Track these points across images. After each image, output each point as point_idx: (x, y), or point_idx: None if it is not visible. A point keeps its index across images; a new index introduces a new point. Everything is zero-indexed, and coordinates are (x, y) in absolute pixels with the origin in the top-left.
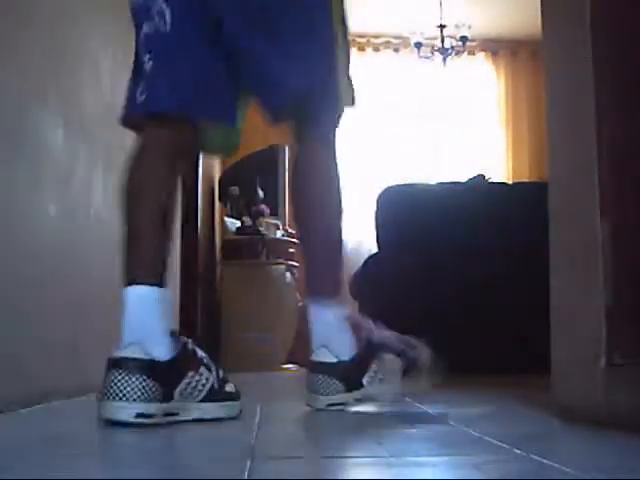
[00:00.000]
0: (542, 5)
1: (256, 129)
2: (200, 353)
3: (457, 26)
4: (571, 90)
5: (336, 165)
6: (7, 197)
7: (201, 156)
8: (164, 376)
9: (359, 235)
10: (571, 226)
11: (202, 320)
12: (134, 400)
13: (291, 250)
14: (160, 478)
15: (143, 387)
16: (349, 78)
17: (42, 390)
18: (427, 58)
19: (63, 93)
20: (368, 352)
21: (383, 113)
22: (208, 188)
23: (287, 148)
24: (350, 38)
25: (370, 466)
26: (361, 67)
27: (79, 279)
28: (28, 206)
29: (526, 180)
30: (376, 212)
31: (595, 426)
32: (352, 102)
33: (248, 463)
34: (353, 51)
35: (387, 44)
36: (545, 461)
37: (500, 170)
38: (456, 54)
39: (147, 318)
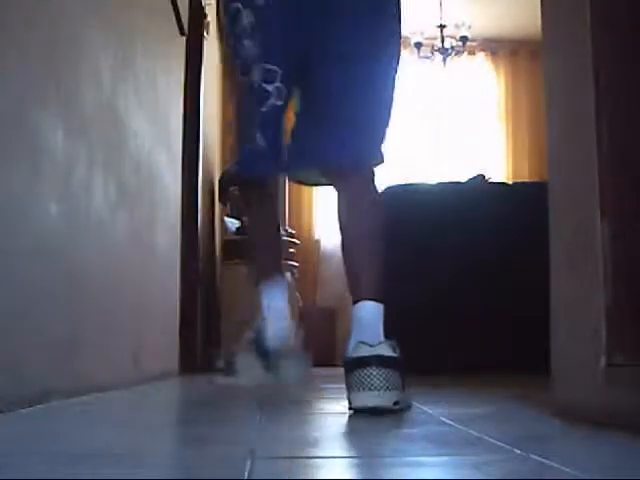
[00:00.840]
0: (542, 5)
1: None
2: None
3: (457, 26)
4: (571, 90)
5: (378, 199)
6: (7, 197)
7: (201, 156)
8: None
9: None
10: (571, 226)
11: (202, 320)
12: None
13: (291, 250)
14: (160, 478)
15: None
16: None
17: (42, 390)
18: (427, 58)
19: (63, 93)
20: None
21: None
22: (208, 188)
23: None
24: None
25: (370, 466)
26: None
27: (79, 279)
28: (28, 206)
29: (526, 180)
30: None
31: (595, 426)
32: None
33: (248, 463)
34: None
35: None
36: (545, 461)
37: (500, 170)
38: (456, 54)
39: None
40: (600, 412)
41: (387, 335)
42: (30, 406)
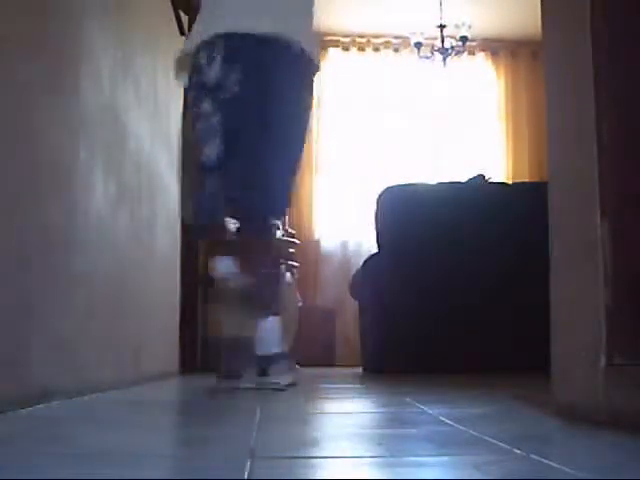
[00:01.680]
0: (542, 5)
1: None
2: None
3: (457, 26)
4: (571, 90)
5: None
6: (6, 197)
7: None
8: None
9: (359, 235)
10: (571, 226)
11: (202, 320)
12: None
13: (291, 250)
14: (160, 478)
15: None
16: None
17: (42, 390)
18: (427, 58)
19: (63, 93)
20: None
21: (383, 113)
22: None
23: None
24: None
25: (370, 466)
26: (361, 67)
27: (79, 279)
28: (27, 206)
29: (526, 180)
30: (376, 212)
31: (595, 426)
32: None
33: (248, 463)
34: (353, 51)
35: (387, 44)
36: (545, 461)
37: (500, 170)
38: (456, 54)
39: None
40: (600, 412)
41: None
42: (30, 406)
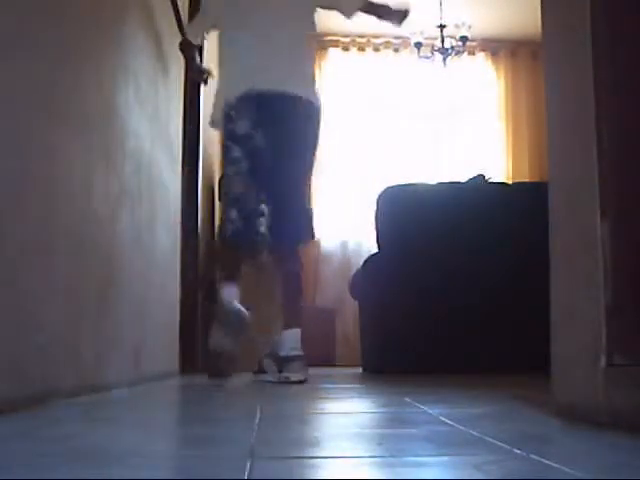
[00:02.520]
0: (542, 5)
1: None
2: None
3: (457, 26)
4: (571, 90)
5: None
6: (7, 197)
7: (201, 156)
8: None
9: (359, 235)
10: (571, 226)
11: (202, 320)
12: None
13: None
14: (160, 478)
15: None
16: None
17: (42, 390)
18: (427, 58)
19: (63, 93)
20: None
21: (383, 113)
22: (208, 188)
23: None
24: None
25: (370, 466)
26: (361, 67)
27: (79, 279)
28: (28, 205)
29: (526, 180)
30: (376, 212)
31: (595, 426)
32: None
33: (248, 463)
34: (353, 51)
35: (387, 44)
36: (545, 461)
37: (500, 170)
38: (456, 54)
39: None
40: (600, 412)
41: None
42: (30, 406)
